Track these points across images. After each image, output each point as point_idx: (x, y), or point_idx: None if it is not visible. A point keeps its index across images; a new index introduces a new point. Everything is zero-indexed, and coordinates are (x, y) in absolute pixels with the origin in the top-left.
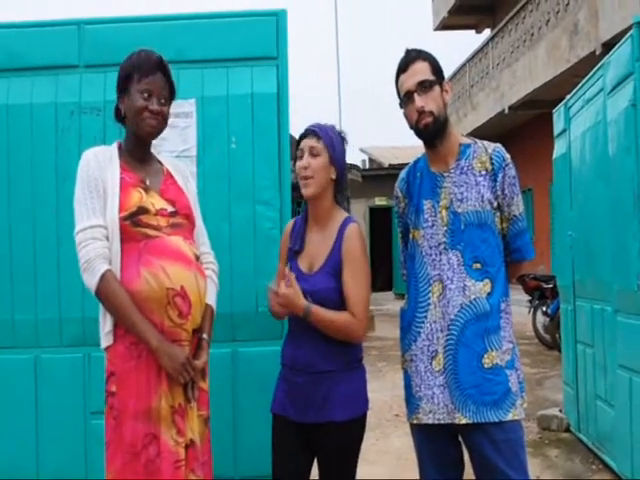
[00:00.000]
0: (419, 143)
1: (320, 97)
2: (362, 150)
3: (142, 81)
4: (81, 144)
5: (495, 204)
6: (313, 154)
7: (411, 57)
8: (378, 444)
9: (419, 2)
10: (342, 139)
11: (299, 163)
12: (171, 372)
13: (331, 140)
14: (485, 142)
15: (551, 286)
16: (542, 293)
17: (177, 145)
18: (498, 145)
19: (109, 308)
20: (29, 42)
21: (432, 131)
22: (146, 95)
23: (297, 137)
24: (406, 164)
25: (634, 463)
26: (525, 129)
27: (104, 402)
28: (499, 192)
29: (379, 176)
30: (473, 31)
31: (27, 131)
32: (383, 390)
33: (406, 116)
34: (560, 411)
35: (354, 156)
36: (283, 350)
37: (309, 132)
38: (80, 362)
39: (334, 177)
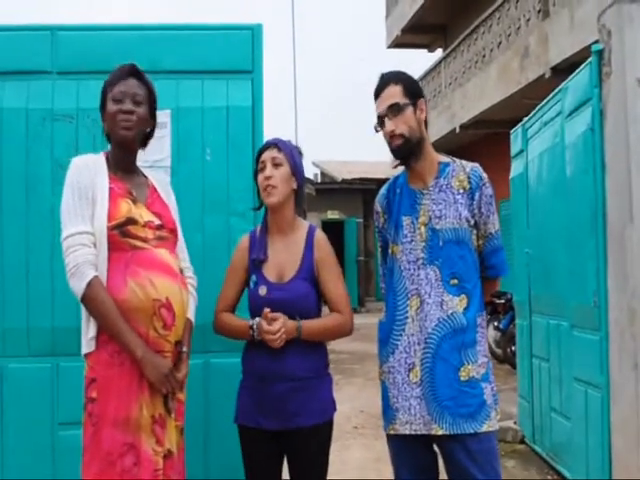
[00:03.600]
0: (373, 159)
1: (275, 111)
2: (315, 164)
3: (113, 89)
4: (53, 151)
5: (472, 222)
6: (275, 164)
7: (383, 82)
8: (339, 456)
9: (374, 20)
10: (299, 152)
11: (262, 174)
12: (155, 382)
13: (291, 151)
14: (463, 161)
15: (503, 301)
16: (494, 308)
17: (151, 155)
18: (476, 164)
19: (95, 314)
20: (0, 46)
21: (404, 152)
22: (118, 99)
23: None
24: (360, 179)
25: (589, 472)
26: (474, 147)
27: (83, 409)
28: (476, 210)
29: (332, 190)
30: (426, 50)
31: None
32: (341, 403)
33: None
34: (514, 423)
35: (307, 169)
36: (249, 360)
37: (270, 144)
38: (48, 372)
39: (295, 187)
